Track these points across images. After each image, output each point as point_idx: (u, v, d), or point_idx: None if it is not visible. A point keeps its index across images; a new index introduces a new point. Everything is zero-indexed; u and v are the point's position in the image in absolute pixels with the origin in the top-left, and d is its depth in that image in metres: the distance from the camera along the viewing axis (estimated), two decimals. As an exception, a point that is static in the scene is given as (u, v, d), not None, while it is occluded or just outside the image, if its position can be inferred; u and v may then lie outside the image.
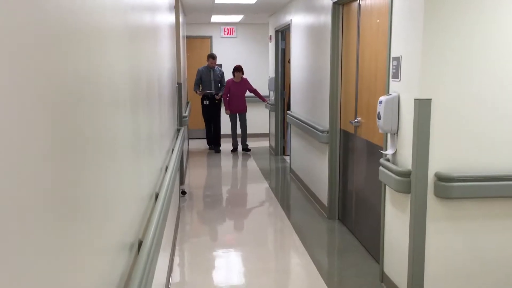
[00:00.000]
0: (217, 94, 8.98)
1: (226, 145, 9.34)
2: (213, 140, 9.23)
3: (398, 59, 3.21)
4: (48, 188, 0.85)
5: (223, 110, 9.22)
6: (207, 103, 9.09)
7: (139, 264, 1.58)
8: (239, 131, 9.09)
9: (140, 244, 1.84)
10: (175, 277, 3.79)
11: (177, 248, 4.37)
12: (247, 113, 9.09)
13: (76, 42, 1.05)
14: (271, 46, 9.03)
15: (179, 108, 5.86)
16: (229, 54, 10.57)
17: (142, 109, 2.14)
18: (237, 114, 8.99)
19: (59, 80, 0.93)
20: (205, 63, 9.22)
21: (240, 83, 8.84)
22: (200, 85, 9.06)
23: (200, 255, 4.25)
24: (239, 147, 9.19)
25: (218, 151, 9.14)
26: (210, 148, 9.35)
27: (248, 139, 9.27)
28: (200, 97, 9.16)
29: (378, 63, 3.79)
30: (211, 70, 9.02)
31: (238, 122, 9.02)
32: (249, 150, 9.08)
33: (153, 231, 1.89)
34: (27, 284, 0.74)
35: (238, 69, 8.81)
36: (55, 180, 0.89)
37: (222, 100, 9.04)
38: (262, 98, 8.99)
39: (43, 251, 0.82)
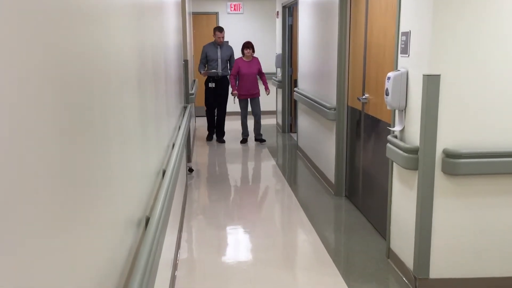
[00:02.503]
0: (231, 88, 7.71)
1: (229, 131, 8.39)
2: (216, 128, 7.99)
3: (407, 34, 3.16)
4: (57, 165, 0.85)
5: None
6: (213, 85, 7.70)
7: (147, 239, 1.59)
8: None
9: (147, 220, 1.85)
10: (183, 253, 3.83)
11: (184, 224, 4.41)
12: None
13: (79, 19, 1.04)
14: (278, 22, 8.93)
15: (186, 85, 5.84)
16: (235, 31, 10.47)
17: (149, 86, 2.13)
18: (249, 99, 7.69)
19: (64, 58, 0.92)
20: (212, 39, 7.91)
21: (251, 63, 7.59)
22: (206, 65, 7.76)
23: (207, 231, 4.29)
24: (244, 137, 7.98)
25: (222, 141, 7.93)
26: (208, 139, 8.04)
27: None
28: (205, 78, 7.88)
29: (387, 39, 3.74)
30: (218, 47, 7.73)
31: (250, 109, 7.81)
32: (264, 140, 7.83)
33: (160, 207, 1.90)
34: (40, 258, 0.75)
35: (247, 46, 7.56)
36: (64, 158, 0.89)
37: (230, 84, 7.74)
38: (265, 86, 7.71)
39: (52, 226, 0.82)
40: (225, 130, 8.11)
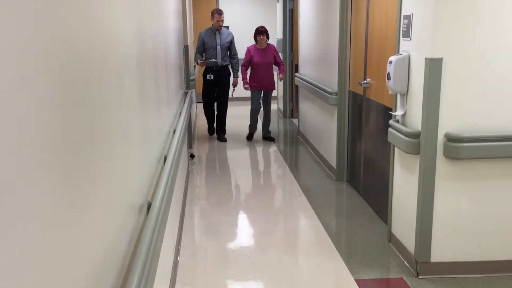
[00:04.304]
0: (235, 78, 6.86)
1: (230, 117, 7.46)
2: (217, 125, 7.11)
3: (409, 17, 3.13)
4: (57, 152, 0.84)
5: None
6: (212, 77, 6.70)
7: (149, 225, 1.60)
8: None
9: (149, 206, 1.85)
10: (185, 239, 3.85)
11: (186, 210, 4.42)
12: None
13: (74, 2, 1.02)
14: (279, 6, 8.85)
15: (187, 71, 5.81)
16: (236, 15, 10.38)
17: (149, 71, 2.11)
18: (262, 91, 6.79)
19: (61, 43, 0.91)
20: (210, 25, 6.89)
21: (265, 51, 6.69)
22: (203, 54, 6.78)
23: (209, 217, 4.30)
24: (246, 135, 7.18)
25: (223, 139, 7.00)
26: (211, 133, 7.36)
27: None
28: (203, 69, 6.92)
29: (389, 22, 3.70)
30: (217, 32, 6.70)
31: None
32: (273, 139, 6.98)
33: (161, 193, 1.91)
34: (41, 243, 0.75)
35: (261, 32, 6.62)
36: (64, 144, 0.88)
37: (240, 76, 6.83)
38: (282, 73, 6.89)
39: (54, 211, 0.82)
40: (227, 118, 7.27)
